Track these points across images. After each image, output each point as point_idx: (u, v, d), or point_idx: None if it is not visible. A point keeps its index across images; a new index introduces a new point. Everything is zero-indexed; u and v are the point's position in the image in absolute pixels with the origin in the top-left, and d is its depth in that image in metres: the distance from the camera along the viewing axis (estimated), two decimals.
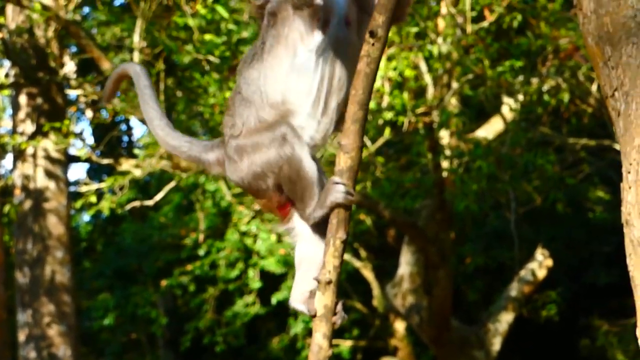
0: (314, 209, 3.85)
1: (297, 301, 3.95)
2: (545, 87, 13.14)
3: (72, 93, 13.66)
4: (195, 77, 12.81)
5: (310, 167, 3.85)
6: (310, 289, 3.88)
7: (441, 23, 12.81)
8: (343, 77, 3.91)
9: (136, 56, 12.60)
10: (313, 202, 3.86)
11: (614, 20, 3.71)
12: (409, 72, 12.18)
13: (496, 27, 12.83)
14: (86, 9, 16.35)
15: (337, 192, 3.73)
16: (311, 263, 3.95)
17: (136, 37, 12.64)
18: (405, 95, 12.43)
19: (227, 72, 12.46)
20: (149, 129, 4.50)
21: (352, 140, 3.69)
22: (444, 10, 12.76)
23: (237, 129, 3.98)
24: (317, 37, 3.87)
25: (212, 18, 12.24)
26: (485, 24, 12.69)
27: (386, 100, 12.35)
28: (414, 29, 12.30)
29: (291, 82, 3.89)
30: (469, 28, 12.52)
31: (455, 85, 13.24)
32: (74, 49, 14.96)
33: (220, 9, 12.13)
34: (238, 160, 3.96)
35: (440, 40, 12.45)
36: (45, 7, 12.04)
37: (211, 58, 12.32)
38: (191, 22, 12.28)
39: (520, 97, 13.42)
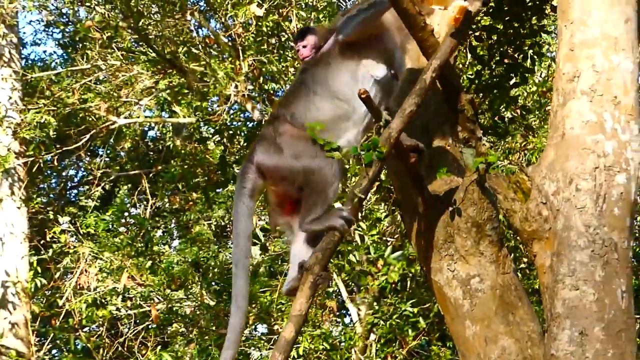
0: (312, 221, 3.86)
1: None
2: None
3: None
4: None
5: (333, 190, 3.89)
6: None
7: None
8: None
9: None
10: (314, 215, 3.85)
11: None
12: None
13: None
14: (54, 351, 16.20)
15: (339, 217, 3.72)
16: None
17: None
18: None
19: None
20: None
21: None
22: None
23: (297, 117, 4.01)
24: (382, 70, 3.99)
25: None
26: None
27: None
28: None
29: (355, 90, 3.90)
30: None
31: None
32: None
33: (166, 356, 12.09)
34: (287, 151, 3.96)
35: None
36: (20, 354, 11.94)
37: None
38: None
39: None
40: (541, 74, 10.72)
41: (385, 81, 3.99)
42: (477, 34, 5.99)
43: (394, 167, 4.29)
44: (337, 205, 3.95)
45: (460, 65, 9.37)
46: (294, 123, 4.04)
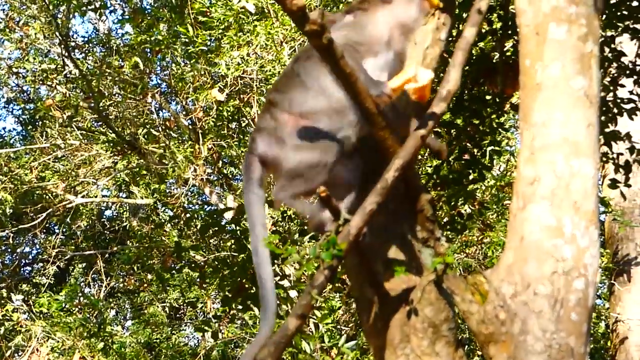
0: None
1: None
2: None
3: None
4: None
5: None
6: None
7: None
8: None
9: None
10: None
11: None
12: None
13: None
14: None
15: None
16: None
17: None
18: None
19: None
20: None
21: None
22: None
23: (295, 106, 3.85)
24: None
25: None
26: None
27: None
28: None
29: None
30: None
31: None
32: None
33: None
34: (289, 142, 3.82)
35: None
36: None
37: None
38: None
39: None
40: (499, 167, 10.80)
41: None
42: (436, 129, 5.99)
43: (350, 264, 4.22)
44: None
45: (419, 157, 9.40)
46: (292, 111, 3.89)
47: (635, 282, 11.09)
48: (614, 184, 6.62)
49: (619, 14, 6.06)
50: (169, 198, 12.46)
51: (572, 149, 3.61)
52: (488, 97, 5.96)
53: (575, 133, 3.62)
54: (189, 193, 12.69)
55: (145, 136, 12.21)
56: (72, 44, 12.98)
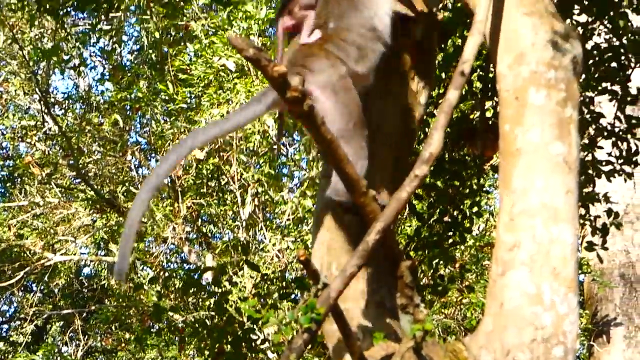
0: None
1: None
2: None
3: None
4: None
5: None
6: None
7: None
8: None
9: None
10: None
11: None
12: None
13: None
14: None
15: None
16: None
17: None
18: None
19: None
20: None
21: None
22: None
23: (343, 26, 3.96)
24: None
25: None
26: None
27: None
28: None
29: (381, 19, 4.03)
30: None
31: None
32: None
33: None
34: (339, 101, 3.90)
35: None
36: None
37: None
38: None
39: None
40: (478, 227, 10.77)
41: None
42: (417, 191, 5.97)
43: (328, 330, 4.16)
44: None
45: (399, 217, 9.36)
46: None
47: (615, 343, 11.01)
48: (590, 247, 6.59)
49: (597, 75, 6.10)
50: (147, 256, 12.35)
51: (551, 215, 3.58)
52: (468, 159, 5.96)
53: (554, 199, 3.60)
54: (168, 251, 12.60)
55: (125, 194, 12.15)
56: (52, 100, 12.98)
